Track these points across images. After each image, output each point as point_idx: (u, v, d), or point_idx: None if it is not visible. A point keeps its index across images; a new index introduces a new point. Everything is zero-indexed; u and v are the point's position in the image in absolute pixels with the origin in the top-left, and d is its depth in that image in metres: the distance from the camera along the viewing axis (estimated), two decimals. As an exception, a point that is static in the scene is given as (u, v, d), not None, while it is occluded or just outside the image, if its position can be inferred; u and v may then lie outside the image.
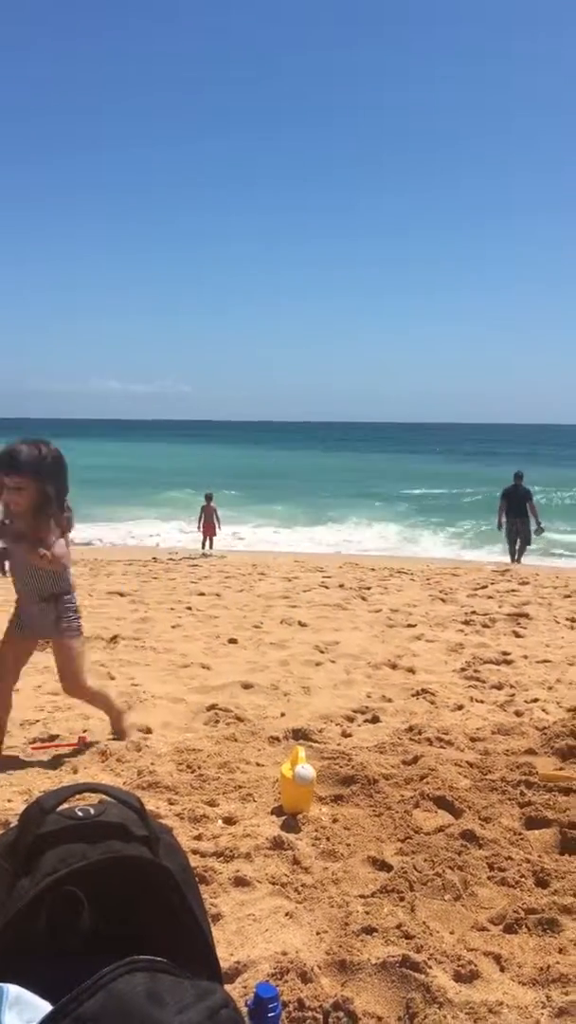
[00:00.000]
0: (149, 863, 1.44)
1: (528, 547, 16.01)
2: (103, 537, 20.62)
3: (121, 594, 9.82)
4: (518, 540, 15.85)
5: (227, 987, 2.32)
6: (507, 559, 15.86)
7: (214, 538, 17.56)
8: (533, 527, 15.77)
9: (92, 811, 1.46)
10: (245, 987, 2.35)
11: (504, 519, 15.81)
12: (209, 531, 17.46)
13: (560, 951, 2.66)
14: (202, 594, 10.04)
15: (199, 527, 17.64)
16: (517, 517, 15.69)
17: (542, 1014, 2.34)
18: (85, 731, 4.74)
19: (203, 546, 17.32)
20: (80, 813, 1.43)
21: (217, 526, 17.59)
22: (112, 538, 20.51)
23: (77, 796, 1.36)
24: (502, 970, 2.56)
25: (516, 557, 15.83)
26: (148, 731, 4.81)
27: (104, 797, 1.49)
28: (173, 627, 7.88)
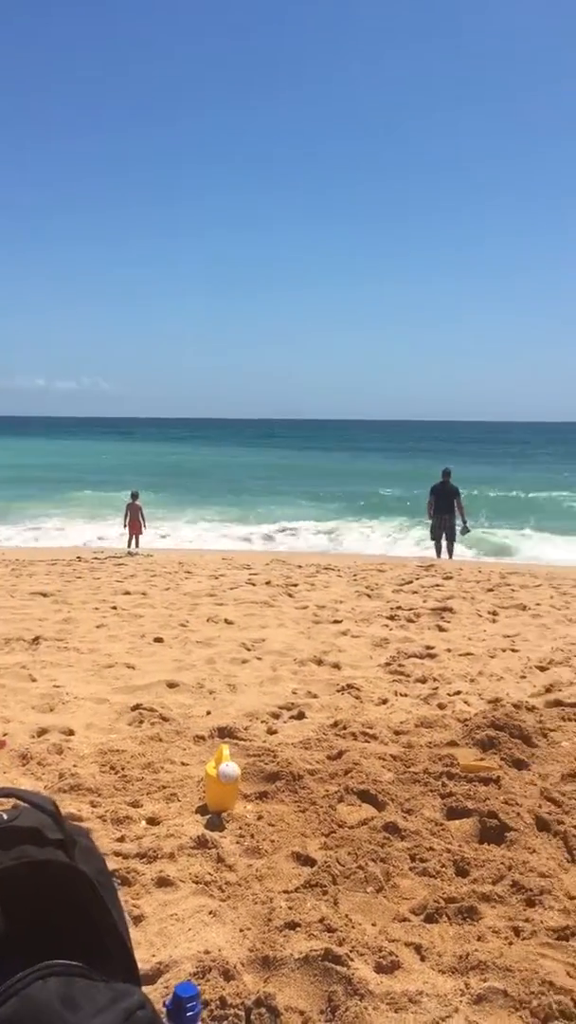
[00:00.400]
0: (64, 867, 1.42)
1: (455, 543, 16.26)
2: (10, 537, 20.24)
3: (44, 594, 9.66)
4: (443, 536, 16.10)
5: (149, 988, 2.32)
6: (433, 554, 16.09)
7: (140, 536, 17.41)
8: (459, 526, 16.04)
9: (5, 816, 1.44)
10: (167, 987, 2.34)
11: (432, 515, 16.07)
12: (135, 529, 17.30)
13: (479, 939, 2.71)
14: (127, 593, 9.94)
15: (124, 525, 17.47)
16: (444, 513, 15.95)
17: (461, 1001, 2.39)
18: (5, 734, 4.65)
19: (129, 544, 17.16)
20: (-8, 818, 1.41)
21: (143, 524, 17.44)
22: (18, 540, 20.08)
23: (-12, 802, 1.33)
24: (422, 960, 2.61)
25: (443, 553, 16.08)
26: (71, 733, 4.75)
27: (17, 802, 1.47)
28: (97, 627, 7.79)
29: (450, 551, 16.16)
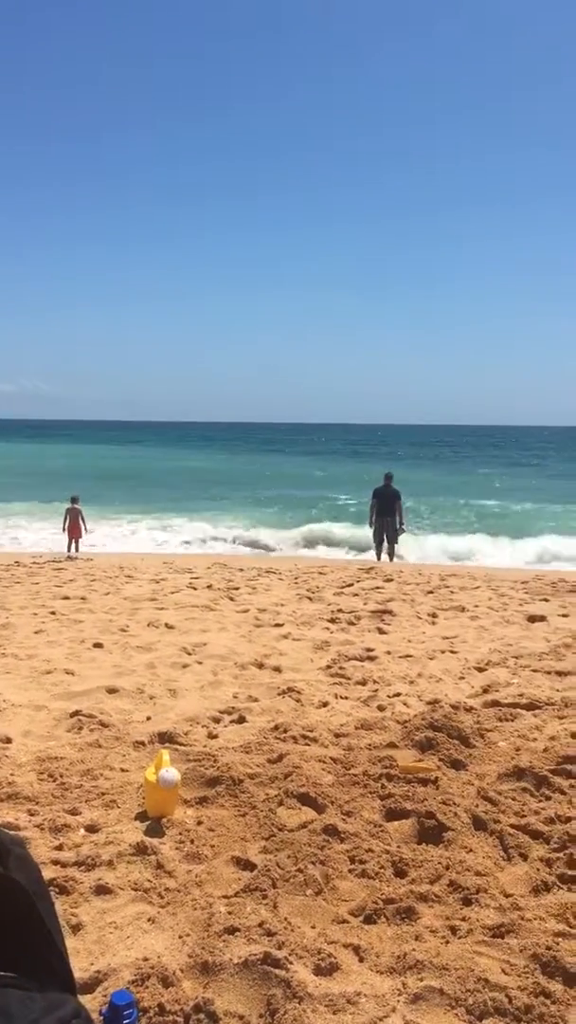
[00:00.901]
0: (-2, 877, 1.41)
1: (396, 545, 16.40)
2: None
3: (-19, 600, 9.51)
4: (384, 538, 16.23)
5: (87, 997, 2.30)
6: (375, 557, 16.22)
7: (79, 540, 17.21)
8: (397, 542, 16.25)
9: None
10: (105, 996, 2.31)
11: (374, 518, 16.19)
12: (75, 533, 17.10)
13: (416, 938, 2.75)
14: (67, 598, 9.82)
15: (64, 529, 17.26)
16: (386, 516, 16.08)
17: (399, 1001, 2.41)
18: None
19: (68, 549, 16.95)
20: None
21: (83, 528, 17.25)
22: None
23: None
24: (361, 961, 2.63)
25: (383, 556, 16.22)
26: (8, 741, 4.67)
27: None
28: (36, 632, 7.68)
29: (391, 554, 16.31)
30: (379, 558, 16.14)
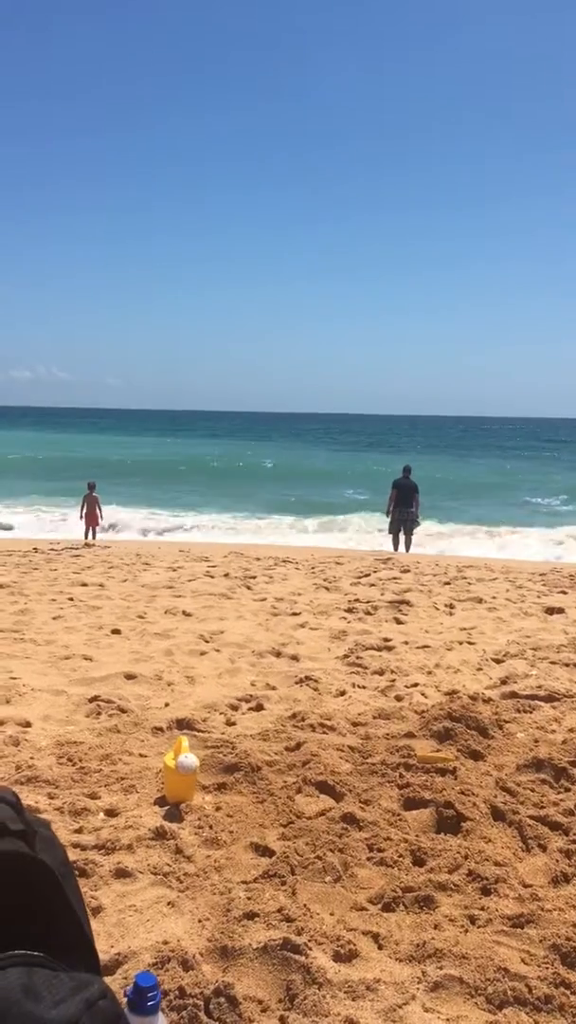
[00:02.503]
0: (26, 858, 1.41)
1: (412, 536, 16.46)
2: None
3: (0, 586, 9.55)
4: (402, 529, 16.31)
5: (108, 979, 2.30)
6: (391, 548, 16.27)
7: (96, 527, 17.30)
8: (414, 531, 16.35)
9: (-36, 808, 1.42)
10: (126, 978, 2.33)
11: (392, 508, 16.28)
12: (92, 521, 17.19)
13: (435, 927, 2.74)
14: (85, 584, 9.86)
15: (81, 516, 17.34)
16: (405, 507, 16.15)
17: (418, 989, 2.41)
18: (-39, 726, 4.60)
19: (85, 536, 17.03)
20: (-49, 810, 1.39)
21: (100, 515, 17.35)
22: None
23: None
24: (380, 948, 2.63)
25: (400, 546, 16.28)
26: (27, 725, 4.70)
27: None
28: (54, 618, 7.72)
29: (408, 545, 16.33)
30: (396, 548, 16.16)
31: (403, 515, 16.22)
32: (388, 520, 16.55)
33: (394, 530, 16.40)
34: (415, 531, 16.55)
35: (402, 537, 16.34)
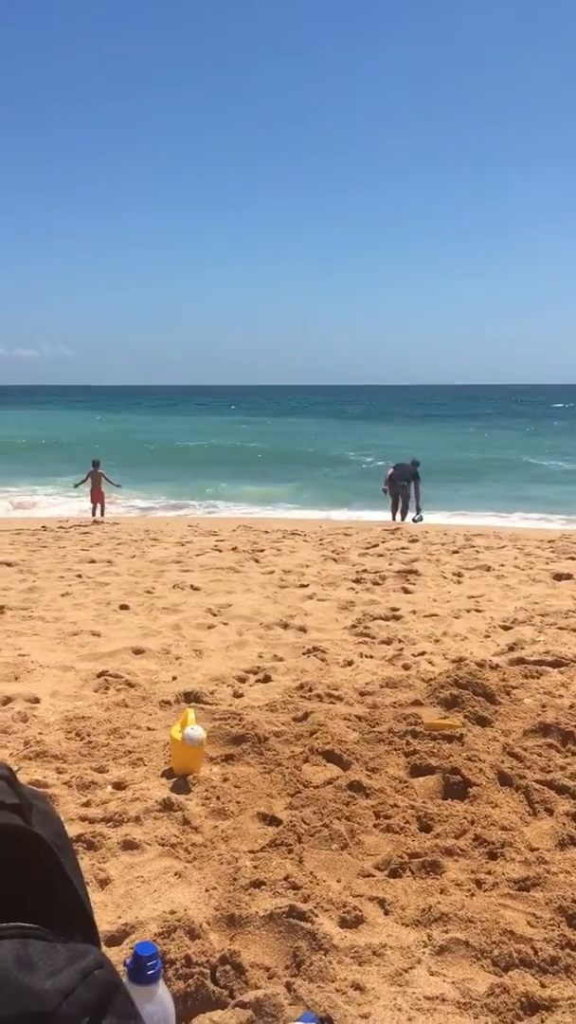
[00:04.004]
0: (21, 831, 1.41)
1: (409, 509, 16.57)
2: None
3: (8, 564, 9.57)
4: (400, 499, 16.48)
5: (115, 949, 2.33)
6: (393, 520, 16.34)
7: (104, 504, 17.32)
8: (412, 514, 16.36)
9: (-43, 782, 1.42)
10: (132, 948, 2.35)
11: (387, 485, 16.50)
12: (98, 497, 17.21)
13: (441, 891, 2.76)
14: (93, 561, 9.88)
15: (89, 492, 17.36)
16: (401, 483, 16.36)
17: (423, 952, 2.43)
18: (-30, 704, 4.63)
19: (93, 513, 17.06)
20: (-55, 785, 1.39)
21: (107, 488, 17.38)
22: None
23: None
24: (386, 913, 2.65)
25: (399, 516, 16.40)
26: (36, 701, 4.72)
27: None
28: (63, 595, 7.74)
29: (404, 512, 16.49)
30: (394, 518, 16.37)
31: (397, 488, 16.40)
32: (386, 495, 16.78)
33: (392, 503, 16.60)
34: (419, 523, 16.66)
35: (400, 508, 16.54)
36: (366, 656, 5.81)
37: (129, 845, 3.02)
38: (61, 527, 14.04)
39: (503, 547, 11.26)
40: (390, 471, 16.77)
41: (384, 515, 16.84)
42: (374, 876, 2.87)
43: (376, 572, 9.09)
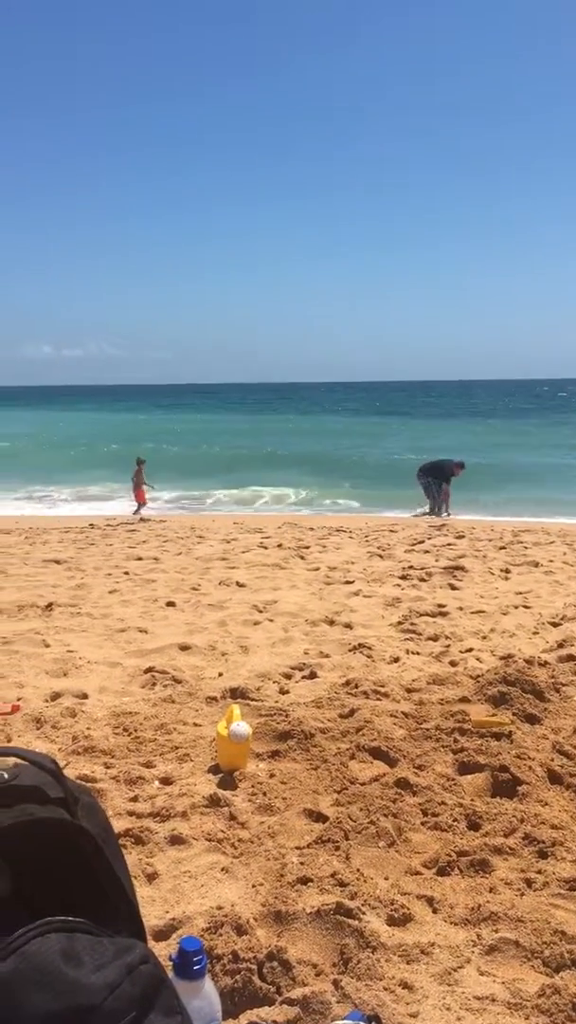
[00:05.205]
0: (67, 824, 1.42)
1: (437, 507, 16.63)
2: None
3: (57, 561, 9.68)
4: (432, 495, 16.63)
5: (162, 944, 2.34)
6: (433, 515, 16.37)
7: (143, 503, 17.51)
8: (442, 510, 16.44)
9: (6, 775, 1.43)
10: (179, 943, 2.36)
11: (420, 476, 16.66)
12: (140, 496, 17.39)
13: (491, 890, 2.72)
14: (140, 559, 9.96)
15: (137, 489, 17.55)
16: (427, 478, 16.55)
17: (473, 952, 2.40)
18: (19, 699, 4.68)
19: (136, 511, 17.22)
20: (-6, 778, 1.41)
21: (146, 490, 17.56)
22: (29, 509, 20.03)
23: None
24: (434, 912, 2.62)
25: (435, 510, 16.50)
26: (84, 696, 4.77)
27: (19, 761, 1.46)
28: (110, 592, 7.81)
29: (435, 508, 16.59)
30: (430, 511, 16.55)
31: (421, 481, 16.82)
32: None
33: (428, 495, 16.74)
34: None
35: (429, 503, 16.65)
36: (413, 653, 5.77)
37: (176, 840, 3.03)
38: (109, 525, 14.17)
39: (551, 543, 11.12)
40: (426, 465, 17.12)
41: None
42: (422, 874, 2.84)
43: (422, 568, 9.02)
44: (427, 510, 16.68)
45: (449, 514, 16.38)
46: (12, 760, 1.44)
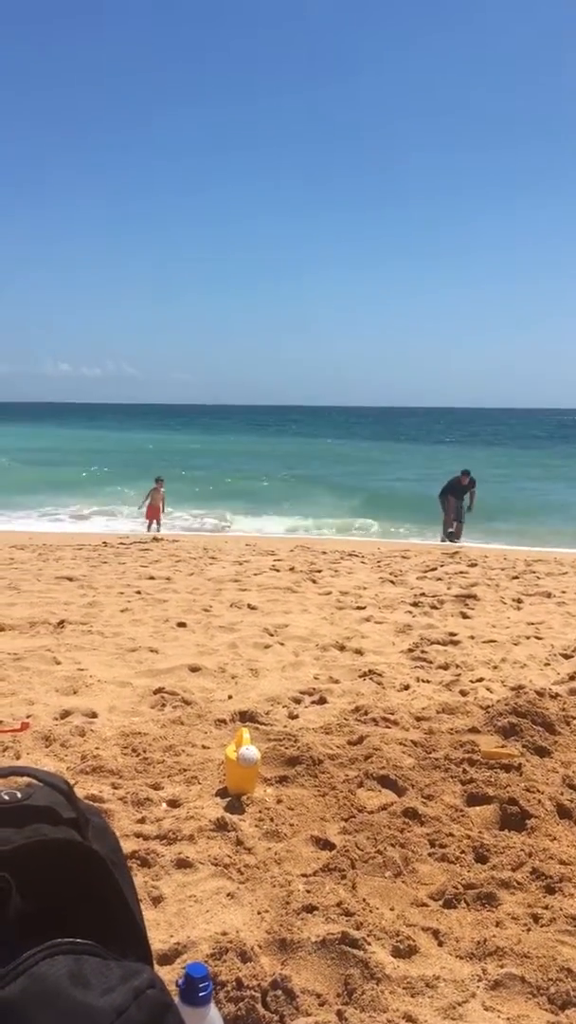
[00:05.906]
0: (77, 846, 1.43)
1: (462, 525, 16.79)
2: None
3: (70, 579, 9.71)
4: (456, 518, 16.72)
5: (167, 968, 2.33)
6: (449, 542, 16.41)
7: (159, 521, 17.61)
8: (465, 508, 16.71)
9: (19, 795, 1.44)
10: (184, 968, 2.35)
11: (442, 498, 16.84)
12: (154, 514, 17.49)
13: (497, 924, 2.70)
14: (152, 578, 9.98)
15: (140, 507, 17.75)
16: (445, 495, 16.64)
17: (478, 987, 2.38)
18: (29, 716, 4.69)
19: (148, 529, 17.28)
20: (6, 797, 1.41)
21: (162, 509, 17.70)
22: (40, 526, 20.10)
23: (2, 780, 1.33)
24: (440, 945, 2.60)
25: (451, 536, 16.59)
26: (94, 715, 4.77)
27: (32, 780, 1.47)
28: (122, 611, 7.82)
29: (457, 534, 16.69)
30: (443, 536, 16.65)
31: (452, 506, 16.95)
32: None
33: (448, 518, 16.88)
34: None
35: (455, 525, 16.79)
36: (423, 681, 5.76)
37: (182, 864, 3.03)
38: (122, 543, 14.21)
39: (565, 573, 11.09)
40: (449, 486, 17.34)
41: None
42: (428, 906, 2.82)
43: (434, 596, 9.01)
44: (452, 529, 16.78)
45: (459, 522, 16.58)
46: (25, 779, 1.45)
